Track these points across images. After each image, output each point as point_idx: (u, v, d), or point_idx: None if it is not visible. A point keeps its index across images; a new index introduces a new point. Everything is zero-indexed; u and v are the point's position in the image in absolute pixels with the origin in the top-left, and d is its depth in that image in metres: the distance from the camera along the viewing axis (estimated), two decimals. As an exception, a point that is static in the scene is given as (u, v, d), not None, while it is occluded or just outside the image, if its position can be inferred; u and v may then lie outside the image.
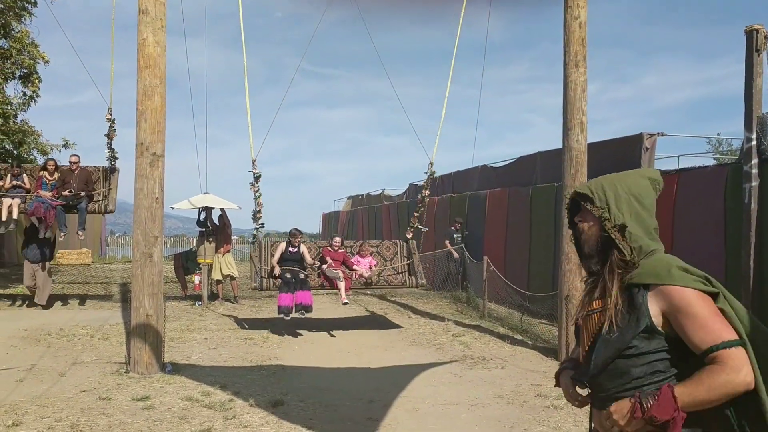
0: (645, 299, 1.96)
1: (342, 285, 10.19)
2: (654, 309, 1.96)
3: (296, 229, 10.68)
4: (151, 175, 7.33)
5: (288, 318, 9.71)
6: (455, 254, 14.67)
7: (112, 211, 12.04)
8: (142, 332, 7.21)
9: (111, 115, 11.05)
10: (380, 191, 24.35)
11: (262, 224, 10.32)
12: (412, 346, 9.14)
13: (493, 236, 14.17)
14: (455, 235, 14.94)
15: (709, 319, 1.88)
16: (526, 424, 5.60)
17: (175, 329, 9.95)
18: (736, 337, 1.86)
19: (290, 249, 10.45)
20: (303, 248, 10.59)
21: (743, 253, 7.82)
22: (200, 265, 13.32)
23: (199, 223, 13.62)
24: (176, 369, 7.38)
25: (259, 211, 10.08)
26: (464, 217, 15.53)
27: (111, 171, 11.97)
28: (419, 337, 9.81)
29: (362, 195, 26.70)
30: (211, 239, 13.28)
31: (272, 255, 10.43)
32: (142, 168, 7.31)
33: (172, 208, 14.71)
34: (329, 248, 10.90)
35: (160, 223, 7.48)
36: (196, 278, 13.73)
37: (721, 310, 1.91)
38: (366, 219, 23.84)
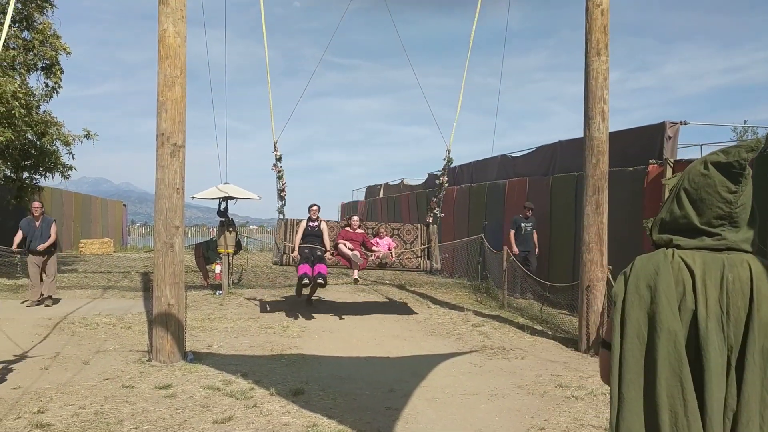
0: None
1: (358, 262, 10.54)
2: None
3: (314, 204, 11.10)
4: (172, 166, 7.37)
5: (307, 283, 10.42)
6: (515, 249, 12.23)
7: None
8: (163, 321, 7.27)
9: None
10: (399, 181, 24.32)
11: (284, 202, 10.67)
12: (432, 336, 9.15)
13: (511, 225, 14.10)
14: (524, 224, 12.51)
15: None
16: (547, 415, 5.58)
17: (197, 318, 10.03)
18: (606, 339, 1.97)
19: (310, 224, 10.92)
20: (323, 225, 11.01)
21: (766, 242, 7.70)
22: (221, 255, 13.41)
23: (219, 213, 13.71)
24: (198, 358, 7.44)
25: (283, 189, 10.45)
26: (484, 207, 15.44)
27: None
28: (438, 327, 9.80)
29: (380, 185, 26.68)
30: (231, 229, 13.36)
31: (296, 233, 10.93)
32: (163, 158, 7.35)
33: (193, 197, 14.83)
34: (348, 228, 11.12)
35: (181, 213, 7.53)
36: (217, 268, 13.83)
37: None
38: (385, 208, 23.84)
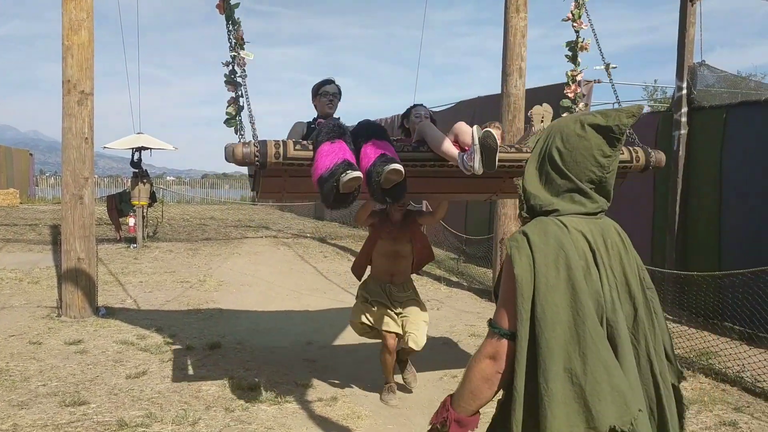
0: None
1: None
2: None
3: (329, 79, 4.67)
4: (80, 114, 7.04)
5: (355, 176, 3.57)
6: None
7: None
8: (73, 276, 7.04)
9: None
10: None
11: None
12: (351, 289, 9.23)
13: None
14: None
15: (501, 293, 1.77)
16: (462, 363, 5.77)
17: (110, 272, 9.76)
18: (506, 329, 1.71)
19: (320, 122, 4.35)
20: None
21: (670, 197, 8.11)
22: (134, 207, 13.01)
23: (132, 163, 13.24)
24: (110, 313, 7.27)
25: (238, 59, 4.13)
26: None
27: None
28: (357, 281, 9.89)
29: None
30: (145, 180, 12.96)
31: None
32: (70, 106, 7.00)
33: (105, 147, 14.25)
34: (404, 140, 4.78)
35: (91, 164, 7.23)
36: (131, 220, 13.42)
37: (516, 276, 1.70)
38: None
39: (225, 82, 3.99)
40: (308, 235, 16.05)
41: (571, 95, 5.23)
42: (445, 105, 15.12)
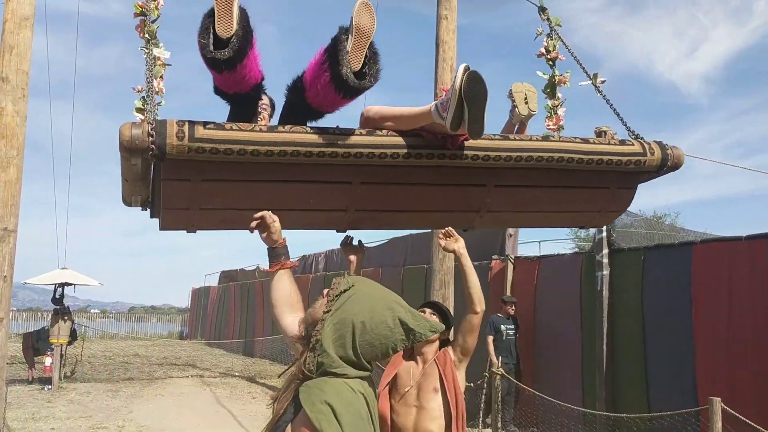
0: (289, 422, 1.86)
1: None
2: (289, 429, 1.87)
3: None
4: (0, 252, 6.80)
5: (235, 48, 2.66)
6: (495, 360, 8.33)
7: None
8: (-24, 425, 6.50)
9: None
10: (254, 267, 23.90)
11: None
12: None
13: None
14: (504, 326, 9.11)
15: None
16: None
17: (18, 418, 9.07)
18: None
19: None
20: None
21: (597, 336, 8.28)
22: (53, 345, 12.35)
23: (54, 300, 12.75)
24: (15, 466, 6.69)
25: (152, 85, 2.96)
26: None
27: None
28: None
29: (235, 270, 26.09)
30: (65, 317, 12.42)
31: None
32: (-10, 243, 6.77)
33: (26, 283, 13.74)
34: None
35: (7, 304, 6.87)
36: (47, 360, 12.69)
37: None
38: (239, 295, 23.22)
39: (135, 110, 2.85)
40: (236, 374, 15.48)
41: (553, 127, 4.85)
42: (378, 241, 15.34)
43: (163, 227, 3.13)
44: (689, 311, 7.28)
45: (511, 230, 10.70)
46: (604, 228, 8.39)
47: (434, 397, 3.07)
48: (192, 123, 2.61)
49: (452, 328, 3.47)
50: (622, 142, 3.35)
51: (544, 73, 4.45)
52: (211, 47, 2.53)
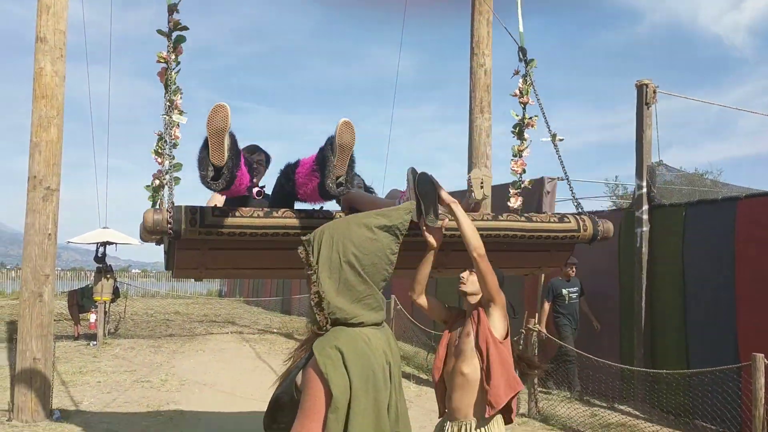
0: (301, 368, 1.84)
1: None
2: (298, 379, 1.90)
3: (255, 145, 4.44)
4: (44, 210, 6.96)
5: (227, 177, 3.27)
6: (543, 331, 8.25)
7: None
8: (27, 377, 6.75)
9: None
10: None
11: (177, 168, 3.52)
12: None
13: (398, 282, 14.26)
14: (566, 290, 8.76)
15: (305, 410, 1.77)
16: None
17: (67, 372, 9.40)
18: None
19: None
20: None
21: (635, 293, 8.19)
22: (96, 303, 12.70)
23: (96, 258, 13.05)
24: (65, 416, 6.93)
25: (174, 126, 3.64)
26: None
27: None
28: (325, 378, 9.65)
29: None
30: (108, 276, 12.72)
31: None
32: (34, 202, 6.93)
33: (69, 242, 14.07)
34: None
35: (53, 261, 7.08)
36: (92, 316, 13.06)
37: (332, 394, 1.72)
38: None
39: (152, 152, 3.56)
40: (275, 330, 15.75)
41: (518, 170, 5.23)
42: (413, 200, 15.31)
43: (174, 276, 4.17)
44: (732, 267, 7.13)
45: (548, 187, 10.57)
46: (644, 183, 8.23)
47: (467, 341, 3.35)
48: (203, 211, 3.23)
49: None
50: (561, 219, 4.07)
51: (516, 114, 5.08)
52: (209, 178, 3.03)
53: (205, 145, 3.03)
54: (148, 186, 3.55)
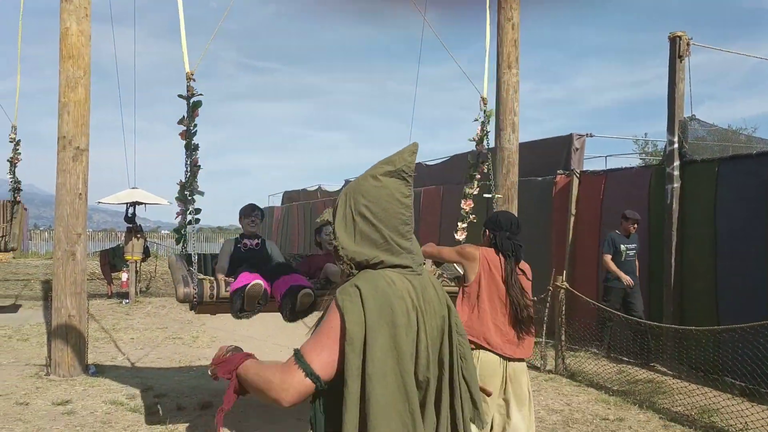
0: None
1: None
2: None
3: (252, 207, 5.56)
4: (74, 170, 7.04)
5: (257, 282, 4.62)
6: (628, 281, 8.04)
7: (14, 249, 11.02)
8: (63, 333, 6.92)
9: (15, 134, 9.26)
10: (317, 187, 24.16)
11: (197, 217, 4.97)
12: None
13: (428, 234, 14.26)
14: (624, 246, 8.24)
15: (320, 334, 1.77)
16: None
17: (100, 329, 9.62)
18: (314, 370, 1.72)
19: (247, 242, 5.45)
20: (270, 244, 5.73)
21: (665, 251, 8.10)
22: (128, 262, 12.93)
23: (126, 218, 13.22)
24: (100, 371, 7.12)
25: (194, 177, 4.91)
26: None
27: (14, 204, 10.03)
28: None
29: (297, 191, 26.46)
30: (138, 235, 12.91)
31: (215, 263, 5.50)
32: (65, 162, 7.01)
33: (99, 202, 14.26)
34: (319, 252, 5.77)
35: (84, 220, 7.19)
36: (123, 275, 13.32)
37: (347, 331, 1.72)
38: (302, 215, 23.64)
39: (176, 198, 4.87)
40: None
41: (466, 208, 5.96)
42: (438, 159, 15.25)
43: (197, 313, 5.18)
44: (764, 224, 7.01)
45: (576, 144, 10.42)
46: (676, 139, 8.07)
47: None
48: (218, 285, 4.66)
49: None
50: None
51: (471, 159, 5.94)
52: (238, 312, 4.73)
53: (239, 299, 4.58)
54: (173, 231, 5.07)
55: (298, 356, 1.75)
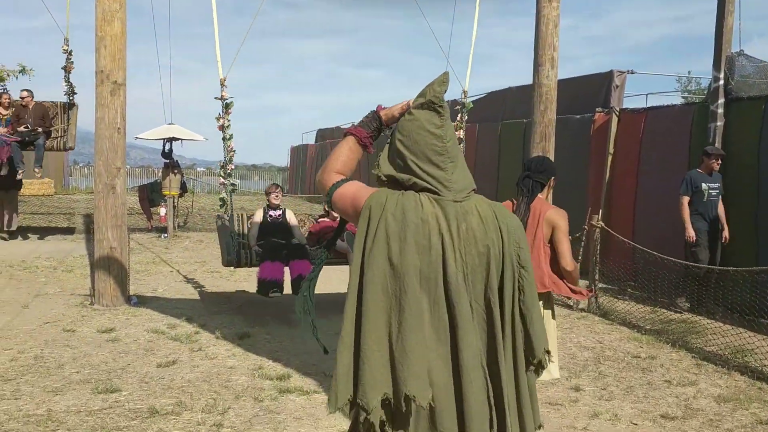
0: None
1: None
2: None
3: (274, 185, 7.70)
4: (113, 105, 7.11)
5: (276, 295, 6.59)
6: (690, 233, 7.42)
7: (71, 148, 11.80)
8: (105, 264, 7.13)
9: (68, 45, 10.65)
10: (350, 124, 24.05)
11: (234, 185, 7.03)
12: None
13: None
14: (706, 185, 7.48)
15: (355, 196, 2.01)
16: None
17: (141, 262, 9.88)
18: (332, 195, 2.05)
19: (270, 213, 7.31)
20: (289, 214, 7.51)
21: (705, 191, 7.93)
22: (165, 197, 13.16)
23: (164, 154, 13.40)
24: (142, 301, 7.35)
25: (230, 161, 6.82)
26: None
27: (69, 106, 11.51)
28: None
29: (332, 128, 26.41)
30: (175, 171, 13.09)
31: (249, 228, 7.40)
32: (103, 97, 7.08)
33: (137, 138, 14.44)
34: (325, 219, 7.85)
35: (123, 154, 7.30)
36: (162, 210, 13.57)
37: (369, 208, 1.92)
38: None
39: (218, 174, 7.05)
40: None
41: None
42: (476, 96, 15.00)
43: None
44: (811, 164, 6.81)
45: (617, 81, 10.15)
46: (722, 75, 7.80)
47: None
48: (250, 254, 6.78)
49: None
50: None
51: None
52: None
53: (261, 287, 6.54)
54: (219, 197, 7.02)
55: (337, 184, 2.06)
